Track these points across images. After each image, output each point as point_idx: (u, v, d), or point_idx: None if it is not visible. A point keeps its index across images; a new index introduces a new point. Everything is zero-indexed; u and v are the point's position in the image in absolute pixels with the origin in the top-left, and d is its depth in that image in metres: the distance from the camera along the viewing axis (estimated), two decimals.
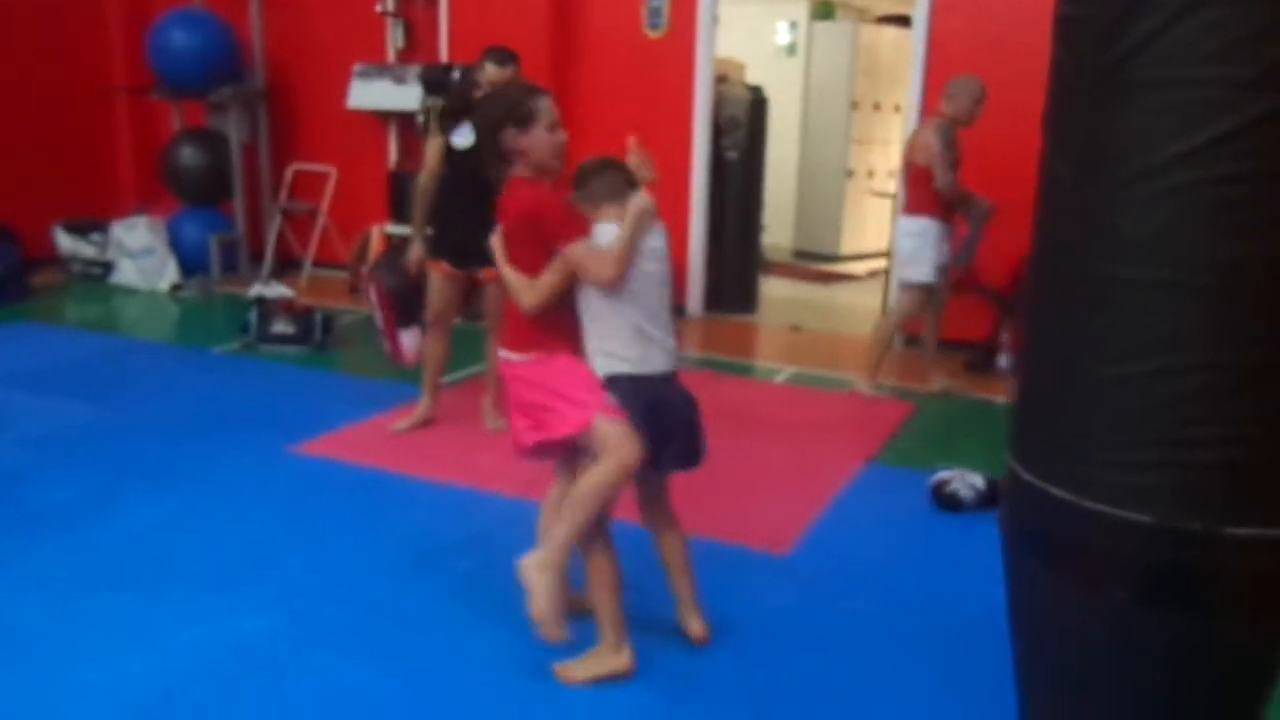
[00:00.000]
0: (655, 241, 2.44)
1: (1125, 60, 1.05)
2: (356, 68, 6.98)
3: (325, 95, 7.23)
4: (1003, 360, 5.34)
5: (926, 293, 4.82)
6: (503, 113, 2.47)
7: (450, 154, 4.05)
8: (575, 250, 2.36)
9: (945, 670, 2.59)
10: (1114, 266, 1.08)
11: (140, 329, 6.32)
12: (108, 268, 7.20)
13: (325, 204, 7.36)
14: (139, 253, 7.06)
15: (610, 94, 6.59)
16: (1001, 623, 2.76)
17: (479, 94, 3.96)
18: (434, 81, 6.48)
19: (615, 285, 2.35)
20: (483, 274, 3.91)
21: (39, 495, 3.46)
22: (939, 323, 5.10)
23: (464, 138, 3.91)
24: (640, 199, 2.39)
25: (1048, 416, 1.13)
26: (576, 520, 2.35)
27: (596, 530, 2.42)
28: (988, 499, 3.54)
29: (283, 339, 5.49)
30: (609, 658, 2.46)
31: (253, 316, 5.53)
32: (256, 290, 5.86)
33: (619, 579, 2.45)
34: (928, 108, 5.82)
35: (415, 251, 4.20)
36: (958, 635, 2.75)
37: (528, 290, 2.42)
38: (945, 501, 3.56)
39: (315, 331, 5.50)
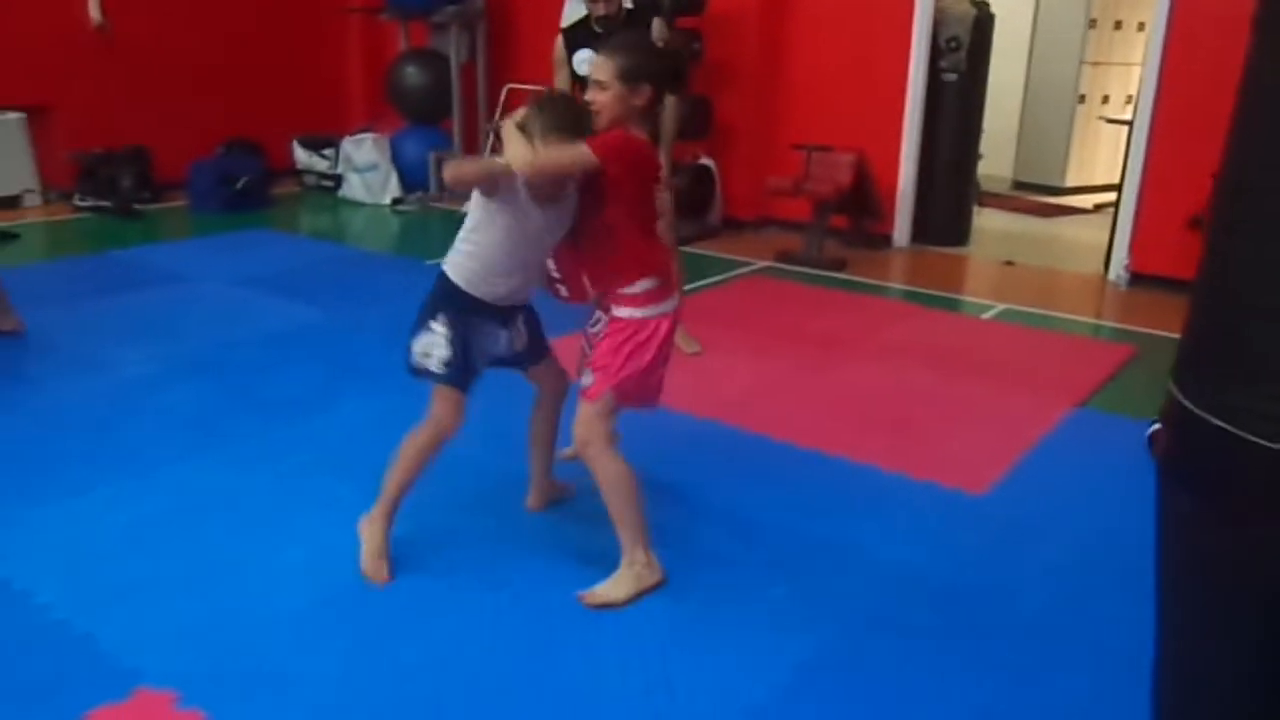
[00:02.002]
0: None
1: None
2: None
3: (540, 15, 7.34)
4: None
5: None
6: None
7: (578, 80, 3.81)
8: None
9: (1141, 629, 2.45)
10: None
11: (364, 240, 6.73)
12: (338, 181, 7.68)
13: None
14: (365, 168, 7.49)
15: (827, 12, 6.36)
16: None
17: (597, 12, 3.88)
18: (642, 4, 6.42)
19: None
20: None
21: (273, 387, 3.80)
22: None
23: (585, 64, 3.62)
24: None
25: (1216, 343, 1.03)
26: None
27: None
28: None
29: None
30: (375, 527, 2.58)
31: None
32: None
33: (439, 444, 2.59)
34: (1176, 26, 5.31)
35: None
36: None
37: None
38: None
39: None
